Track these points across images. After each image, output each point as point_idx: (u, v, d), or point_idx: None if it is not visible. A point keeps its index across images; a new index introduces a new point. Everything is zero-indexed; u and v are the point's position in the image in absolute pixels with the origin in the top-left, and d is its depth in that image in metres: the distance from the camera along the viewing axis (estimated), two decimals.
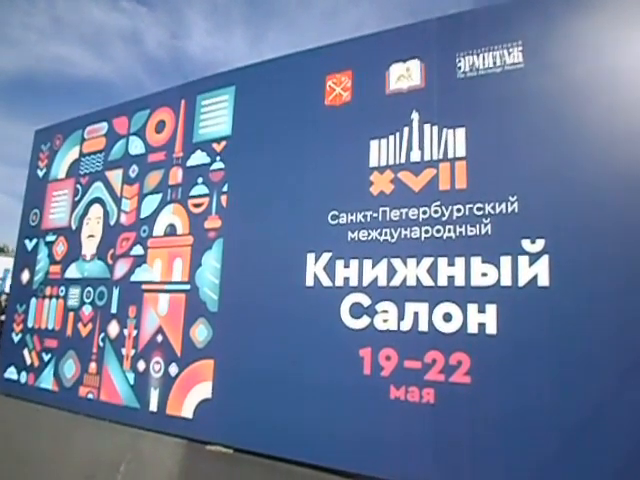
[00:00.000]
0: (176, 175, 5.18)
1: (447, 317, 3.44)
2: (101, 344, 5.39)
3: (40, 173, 6.81)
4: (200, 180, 4.95)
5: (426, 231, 3.63)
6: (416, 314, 3.56)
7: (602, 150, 3.19)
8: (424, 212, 3.66)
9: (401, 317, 3.60)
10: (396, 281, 3.67)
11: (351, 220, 3.94)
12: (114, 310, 5.37)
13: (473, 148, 3.60)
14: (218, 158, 4.87)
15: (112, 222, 5.68)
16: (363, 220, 3.89)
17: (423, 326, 3.51)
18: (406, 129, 3.87)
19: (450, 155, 3.66)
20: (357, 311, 3.78)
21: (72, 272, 5.96)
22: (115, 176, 5.80)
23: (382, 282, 3.73)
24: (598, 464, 2.90)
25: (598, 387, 2.96)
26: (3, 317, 10.98)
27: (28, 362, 6.14)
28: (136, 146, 5.67)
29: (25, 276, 6.56)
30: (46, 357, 5.94)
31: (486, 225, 3.43)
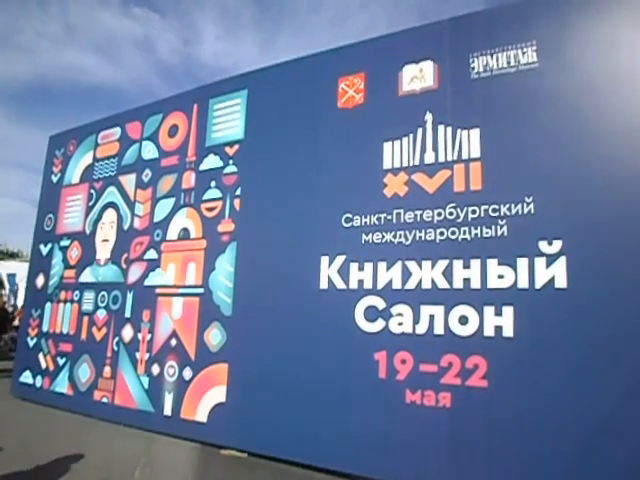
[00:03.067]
0: (189, 179, 5.20)
1: (463, 320, 3.41)
2: (115, 348, 5.42)
3: (54, 178, 6.88)
4: (213, 184, 4.96)
5: (441, 233, 3.60)
6: (432, 317, 3.53)
7: (619, 151, 3.14)
8: (439, 214, 3.63)
9: (416, 320, 3.57)
10: (411, 284, 3.65)
11: (365, 222, 3.92)
12: (128, 314, 5.40)
13: (488, 149, 3.56)
14: (231, 162, 4.88)
15: (126, 226, 5.72)
16: (377, 222, 3.86)
17: (439, 329, 3.48)
18: (420, 130, 3.84)
19: (465, 156, 3.63)
20: (372, 314, 3.76)
21: (86, 276, 6.00)
22: (128, 180, 5.84)
23: (397, 285, 3.70)
24: (617, 465, 2.85)
25: (616, 389, 2.92)
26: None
27: (43, 366, 6.19)
28: (149, 150, 5.70)
29: (40, 281, 6.62)
30: (61, 361, 5.98)
31: (502, 226, 3.40)
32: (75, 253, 6.23)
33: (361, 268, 3.87)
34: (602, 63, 3.30)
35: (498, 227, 3.40)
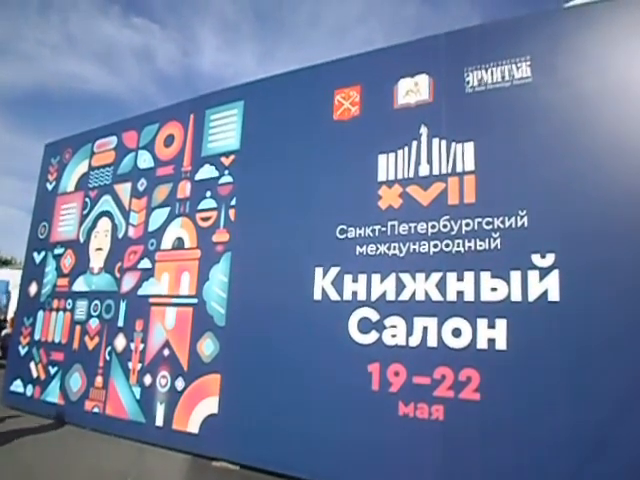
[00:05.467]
0: (184, 189, 5.20)
1: (456, 332, 3.41)
2: (107, 358, 5.38)
3: (49, 186, 6.86)
4: (208, 194, 4.96)
5: (435, 245, 3.61)
6: (425, 329, 3.53)
7: (612, 164, 3.18)
8: (433, 226, 3.65)
9: (410, 332, 3.57)
10: (405, 296, 3.65)
11: (359, 234, 3.93)
12: (121, 323, 5.36)
13: (482, 162, 3.59)
14: (226, 172, 4.89)
15: (120, 235, 5.70)
16: (371, 234, 3.87)
17: (432, 341, 3.48)
18: (414, 143, 3.87)
19: (459, 169, 3.66)
20: (365, 326, 3.75)
21: (80, 285, 5.97)
22: (124, 189, 5.83)
23: (390, 297, 3.70)
24: (612, 479, 2.85)
25: (610, 402, 2.92)
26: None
27: (34, 375, 6.13)
28: (145, 160, 5.71)
29: (33, 289, 6.57)
30: (52, 370, 5.93)
31: (495, 239, 3.41)
32: (69, 261, 6.20)
33: (355, 280, 3.87)
34: (595, 78, 3.34)
35: (491, 240, 3.42)
